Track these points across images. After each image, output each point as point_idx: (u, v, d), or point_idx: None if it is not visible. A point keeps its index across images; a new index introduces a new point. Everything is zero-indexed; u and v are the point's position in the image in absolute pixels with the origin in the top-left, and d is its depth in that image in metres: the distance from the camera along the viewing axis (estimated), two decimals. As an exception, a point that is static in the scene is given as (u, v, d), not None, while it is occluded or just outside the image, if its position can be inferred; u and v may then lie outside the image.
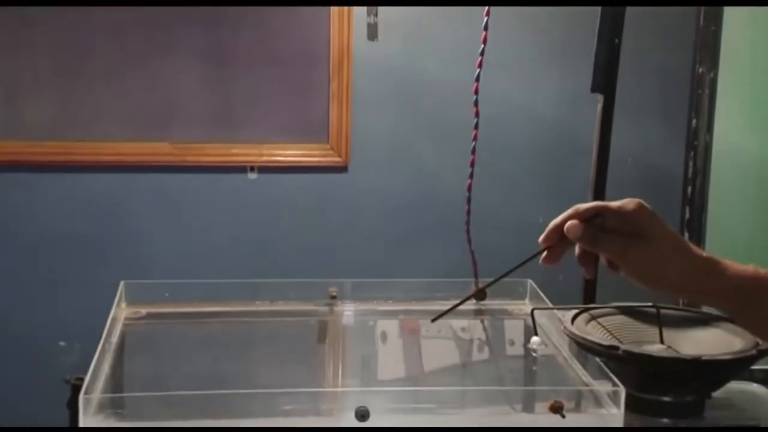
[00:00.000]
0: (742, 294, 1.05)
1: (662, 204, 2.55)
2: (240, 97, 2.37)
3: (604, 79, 1.71)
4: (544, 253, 1.10)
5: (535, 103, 2.43)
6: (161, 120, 2.36)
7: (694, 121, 2.44)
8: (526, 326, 1.57)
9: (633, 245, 1.04)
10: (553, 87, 2.43)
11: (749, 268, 1.06)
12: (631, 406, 1.26)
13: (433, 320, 1.26)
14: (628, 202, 1.06)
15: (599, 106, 1.73)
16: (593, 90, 1.73)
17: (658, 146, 2.48)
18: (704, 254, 1.06)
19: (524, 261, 1.15)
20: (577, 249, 1.10)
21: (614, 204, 1.07)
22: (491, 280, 1.27)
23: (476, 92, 1.66)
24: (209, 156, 2.38)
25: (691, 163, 2.45)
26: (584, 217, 1.07)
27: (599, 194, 1.76)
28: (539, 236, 1.11)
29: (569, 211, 1.08)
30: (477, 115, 1.68)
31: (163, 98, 2.35)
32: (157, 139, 2.36)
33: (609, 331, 1.43)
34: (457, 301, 1.29)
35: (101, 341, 1.34)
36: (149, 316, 1.59)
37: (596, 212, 1.07)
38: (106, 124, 2.35)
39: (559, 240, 1.08)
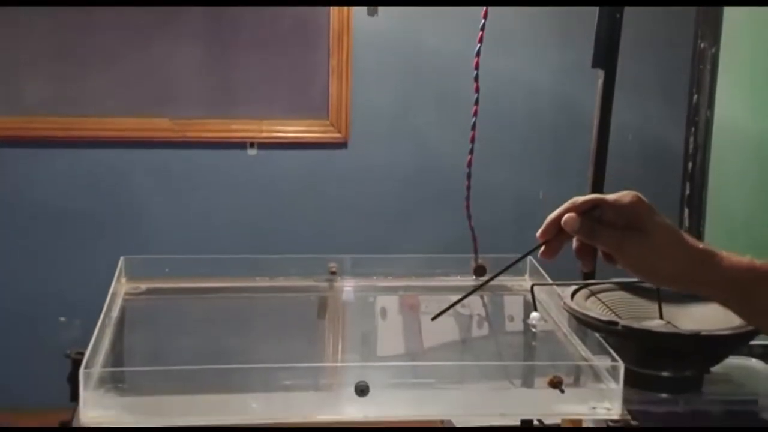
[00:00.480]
0: (737, 285, 1.05)
1: (663, 180, 2.56)
2: (240, 74, 2.36)
3: (605, 55, 1.71)
4: (542, 248, 1.10)
5: (536, 78, 2.42)
6: (161, 96, 2.35)
7: (695, 96, 2.43)
8: (526, 302, 1.57)
9: (630, 238, 1.05)
10: (554, 62, 2.42)
11: (744, 259, 1.06)
12: (630, 381, 1.26)
13: (433, 318, 1.25)
14: (624, 195, 1.07)
15: (600, 81, 1.73)
16: (594, 65, 1.72)
17: (658, 122, 2.48)
18: (700, 245, 1.06)
19: (522, 256, 1.16)
20: (574, 242, 1.10)
21: (611, 197, 1.08)
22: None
23: (477, 67, 1.65)
24: (209, 132, 2.37)
25: (691, 139, 2.45)
26: (581, 210, 1.07)
27: (600, 171, 1.76)
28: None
29: (566, 205, 1.09)
30: (477, 90, 1.67)
31: (164, 74, 2.34)
32: (158, 114, 2.36)
33: (608, 307, 1.43)
34: (459, 297, 1.27)
35: (101, 316, 1.34)
36: (149, 291, 1.59)
37: (593, 205, 1.07)
38: (107, 100, 2.34)
39: (556, 234, 1.09)
